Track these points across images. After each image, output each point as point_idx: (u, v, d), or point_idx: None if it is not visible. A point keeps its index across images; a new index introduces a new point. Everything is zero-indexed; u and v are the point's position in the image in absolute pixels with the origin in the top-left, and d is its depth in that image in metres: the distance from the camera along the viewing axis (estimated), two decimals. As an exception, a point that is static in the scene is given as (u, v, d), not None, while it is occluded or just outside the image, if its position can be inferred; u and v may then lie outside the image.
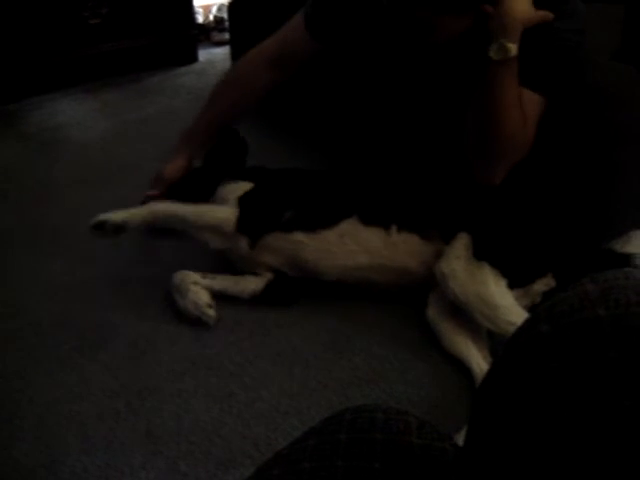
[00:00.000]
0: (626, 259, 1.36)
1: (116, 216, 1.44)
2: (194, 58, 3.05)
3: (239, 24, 2.50)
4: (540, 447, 0.45)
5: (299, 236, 1.49)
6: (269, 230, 1.50)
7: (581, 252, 1.42)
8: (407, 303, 1.55)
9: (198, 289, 1.50)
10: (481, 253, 1.37)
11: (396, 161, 1.62)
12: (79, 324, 1.51)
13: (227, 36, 2.91)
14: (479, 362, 1.35)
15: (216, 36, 3.27)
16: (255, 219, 1.49)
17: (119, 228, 1.44)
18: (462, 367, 1.37)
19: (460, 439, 1.08)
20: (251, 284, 1.56)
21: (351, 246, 1.48)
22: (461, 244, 1.39)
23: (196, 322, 1.48)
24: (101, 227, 1.43)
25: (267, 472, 0.66)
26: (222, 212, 1.50)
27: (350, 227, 1.48)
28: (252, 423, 1.26)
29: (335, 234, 1.48)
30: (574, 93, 1.42)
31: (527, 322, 0.50)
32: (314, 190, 1.57)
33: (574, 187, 1.51)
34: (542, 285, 1.38)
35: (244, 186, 1.57)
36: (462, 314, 1.40)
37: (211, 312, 1.48)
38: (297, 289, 1.57)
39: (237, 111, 1.66)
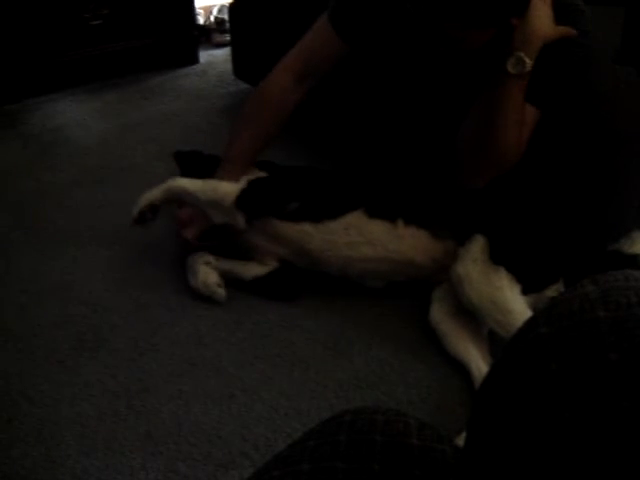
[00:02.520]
0: (633, 260, 1.35)
1: (142, 201, 1.52)
2: (195, 59, 3.04)
3: (240, 26, 2.50)
4: (539, 449, 0.45)
5: (305, 226, 1.50)
6: (268, 214, 1.52)
7: (589, 255, 1.42)
8: (407, 304, 1.55)
9: (208, 269, 1.55)
10: (498, 257, 1.36)
11: (406, 159, 1.62)
12: (79, 324, 1.51)
13: (228, 38, 2.90)
14: (478, 364, 1.35)
15: (217, 37, 3.26)
16: (256, 199, 1.51)
17: (154, 209, 1.52)
18: (463, 369, 1.38)
19: (460, 441, 1.07)
20: (256, 269, 1.58)
21: (356, 237, 1.49)
22: (477, 247, 1.39)
23: (208, 299, 1.55)
24: (142, 219, 1.52)
25: (266, 473, 0.66)
26: (225, 187, 1.52)
27: (355, 219, 1.49)
28: (252, 424, 1.26)
29: (340, 225, 1.49)
30: (577, 101, 1.42)
31: (527, 324, 0.49)
32: (322, 183, 1.59)
33: (582, 191, 1.50)
34: (553, 291, 1.37)
35: (259, 174, 1.59)
36: (464, 315, 1.39)
37: (221, 291, 1.54)
38: (299, 283, 1.58)
39: (269, 136, 1.61)
